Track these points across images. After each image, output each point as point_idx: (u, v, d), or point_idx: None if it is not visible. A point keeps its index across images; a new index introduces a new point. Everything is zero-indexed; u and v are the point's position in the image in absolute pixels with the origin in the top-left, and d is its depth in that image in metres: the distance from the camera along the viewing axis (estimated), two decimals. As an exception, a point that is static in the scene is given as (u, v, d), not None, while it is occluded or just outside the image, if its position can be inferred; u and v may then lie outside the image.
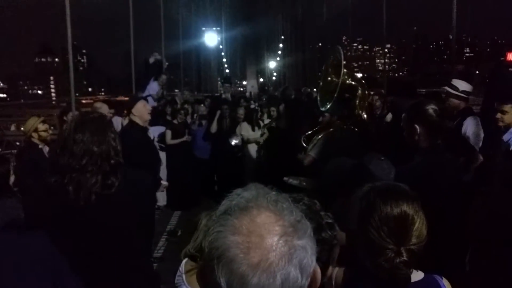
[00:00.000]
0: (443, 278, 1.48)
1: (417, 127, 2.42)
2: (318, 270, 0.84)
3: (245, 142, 7.37)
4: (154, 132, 7.58)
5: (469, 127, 3.84)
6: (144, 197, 2.05)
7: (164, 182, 4.68)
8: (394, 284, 1.35)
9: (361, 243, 1.39)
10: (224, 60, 44.93)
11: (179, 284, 2.26)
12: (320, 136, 3.98)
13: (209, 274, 0.75)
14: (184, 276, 2.24)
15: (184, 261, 2.28)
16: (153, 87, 9.16)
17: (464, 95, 4.07)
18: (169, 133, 7.40)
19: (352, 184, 1.50)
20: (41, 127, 4.26)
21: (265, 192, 0.82)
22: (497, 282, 2.49)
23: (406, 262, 1.32)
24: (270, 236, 0.75)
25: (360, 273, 1.41)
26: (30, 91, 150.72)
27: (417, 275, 1.42)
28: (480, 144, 3.83)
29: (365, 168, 1.82)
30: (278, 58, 43.60)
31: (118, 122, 6.57)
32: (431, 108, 2.43)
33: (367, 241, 1.36)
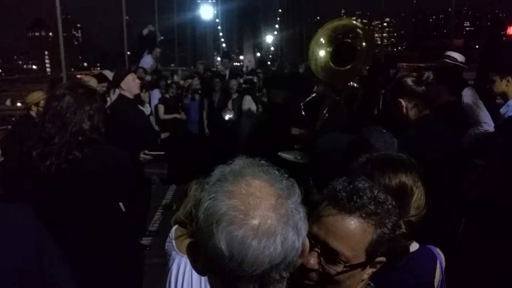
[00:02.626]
0: (437, 249, 1.46)
1: (401, 100, 2.46)
2: (307, 241, 0.83)
3: (247, 116, 7.25)
4: (154, 95, 7.55)
5: (467, 97, 3.83)
6: (116, 176, 2.01)
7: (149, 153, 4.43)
8: (392, 256, 1.32)
9: None
10: (221, 34, 44.27)
11: (169, 250, 2.26)
12: (325, 112, 3.89)
13: (207, 239, 0.74)
14: (174, 242, 2.24)
15: (174, 228, 2.27)
16: (147, 61, 9.02)
17: (463, 65, 4.14)
18: (161, 108, 7.37)
19: (351, 157, 1.45)
20: (43, 102, 4.22)
21: (253, 162, 0.83)
22: (488, 257, 2.49)
23: (404, 234, 1.29)
24: (267, 198, 0.76)
25: None
26: (24, 66, 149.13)
27: (412, 246, 1.40)
28: (481, 112, 3.78)
29: (365, 141, 1.76)
30: (275, 32, 43.09)
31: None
32: (408, 79, 2.47)
33: None
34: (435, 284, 1.45)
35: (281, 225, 0.75)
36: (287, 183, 0.81)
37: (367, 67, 4.96)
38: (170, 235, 2.28)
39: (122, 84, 4.03)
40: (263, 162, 0.84)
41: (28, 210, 1.35)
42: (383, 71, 4.83)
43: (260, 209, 0.75)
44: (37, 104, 4.24)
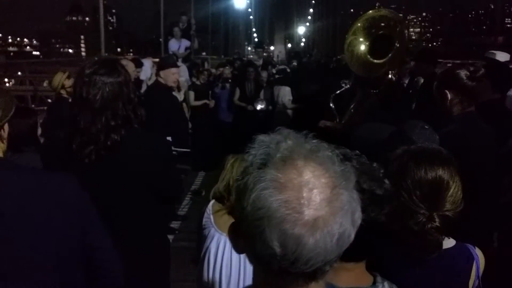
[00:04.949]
0: (476, 248, 1.43)
1: (447, 92, 2.32)
2: None
3: (283, 107, 7.20)
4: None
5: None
6: (154, 162, 1.97)
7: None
8: (424, 250, 1.31)
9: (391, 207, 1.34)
10: (253, 23, 44.14)
11: (208, 225, 2.22)
12: (354, 105, 3.84)
13: (256, 235, 0.69)
14: (212, 217, 2.18)
15: (211, 202, 2.24)
16: (173, 45, 9.16)
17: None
18: (192, 94, 7.42)
19: (389, 150, 1.42)
20: (67, 83, 4.28)
21: (303, 140, 0.74)
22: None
23: (438, 228, 1.27)
24: (322, 190, 0.68)
25: (389, 238, 1.37)
26: (61, 49, 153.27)
27: (448, 242, 1.37)
28: None
29: (406, 136, 1.72)
30: (307, 24, 42.59)
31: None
32: (462, 72, 2.32)
33: (398, 206, 1.30)
34: (470, 285, 1.42)
35: (338, 221, 0.68)
36: (343, 168, 0.72)
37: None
38: (207, 210, 2.22)
39: (161, 73, 4.12)
40: (312, 140, 0.74)
41: (73, 178, 1.38)
42: (432, 61, 4.61)
43: (315, 204, 0.67)
44: (63, 87, 4.28)
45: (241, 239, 0.74)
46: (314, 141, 0.74)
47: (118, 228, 1.77)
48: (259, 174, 0.70)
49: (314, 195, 0.68)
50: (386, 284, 1.09)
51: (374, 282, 1.08)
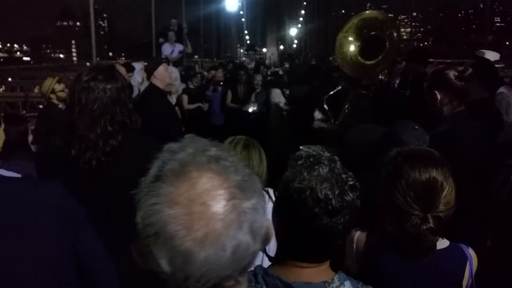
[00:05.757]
0: (469, 248, 1.44)
1: (437, 93, 2.35)
2: (271, 226, 0.73)
3: (275, 109, 7.20)
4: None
5: (501, 96, 3.73)
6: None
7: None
8: (418, 251, 1.32)
9: (386, 209, 1.35)
10: (245, 26, 44.19)
11: None
12: (347, 106, 3.86)
13: (147, 253, 0.65)
14: None
15: None
16: (166, 49, 9.15)
17: (497, 65, 3.99)
18: (185, 98, 7.38)
19: (382, 152, 1.44)
20: (58, 87, 4.26)
21: (204, 148, 0.70)
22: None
23: (432, 229, 1.28)
24: (215, 202, 0.65)
25: (384, 239, 1.38)
26: (52, 55, 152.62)
27: (442, 243, 1.39)
28: None
29: (397, 137, 1.74)
30: (299, 25, 42.76)
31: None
32: (450, 72, 2.34)
33: (393, 207, 1.31)
34: (463, 285, 1.43)
35: (231, 233, 0.65)
36: (241, 176, 0.68)
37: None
38: None
39: (156, 74, 4.09)
40: (213, 148, 0.70)
41: (59, 184, 1.37)
42: (422, 61, 4.63)
43: (206, 218, 0.64)
44: (53, 91, 4.26)
45: (141, 255, 0.69)
46: (216, 148, 0.71)
47: (115, 233, 1.76)
48: (151, 188, 0.66)
49: (206, 208, 0.64)
50: (346, 283, 1.05)
51: (332, 279, 1.05)
